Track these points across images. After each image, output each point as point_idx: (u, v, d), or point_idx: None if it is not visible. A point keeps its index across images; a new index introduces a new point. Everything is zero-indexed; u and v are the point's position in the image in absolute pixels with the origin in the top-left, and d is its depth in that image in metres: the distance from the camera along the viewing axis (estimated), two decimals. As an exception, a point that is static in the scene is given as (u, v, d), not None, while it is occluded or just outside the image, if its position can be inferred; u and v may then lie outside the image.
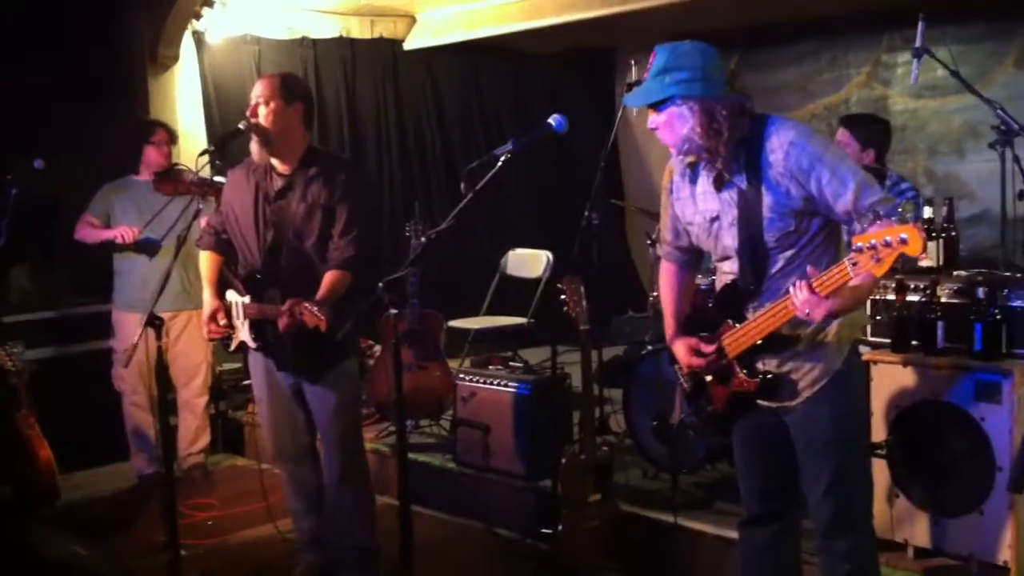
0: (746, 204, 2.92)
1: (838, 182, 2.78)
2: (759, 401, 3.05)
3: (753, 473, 3.23)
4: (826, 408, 2.94)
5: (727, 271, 3.08)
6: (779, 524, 3.21)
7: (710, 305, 3.15)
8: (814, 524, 3.09)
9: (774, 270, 2.94)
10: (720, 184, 2.98)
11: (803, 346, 2.93)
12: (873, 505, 3.16)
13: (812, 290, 2.69)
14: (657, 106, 2.93)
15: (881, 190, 2.82)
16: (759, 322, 2.92)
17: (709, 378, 3.11)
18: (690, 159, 3.01)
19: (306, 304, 3.63)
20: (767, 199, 2.87)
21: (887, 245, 2.49)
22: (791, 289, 2.76)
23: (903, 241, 2.47)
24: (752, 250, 2.94)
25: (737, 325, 2.98)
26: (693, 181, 3.08)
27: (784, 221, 2.88)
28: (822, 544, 3.07)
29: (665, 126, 2.94)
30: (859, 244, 2.54)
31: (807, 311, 2.72)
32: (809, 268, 2.74)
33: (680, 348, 3.16)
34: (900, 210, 2.60)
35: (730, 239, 3.00)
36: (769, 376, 2.98)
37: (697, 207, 3.07)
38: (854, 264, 2.57)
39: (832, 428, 2.95)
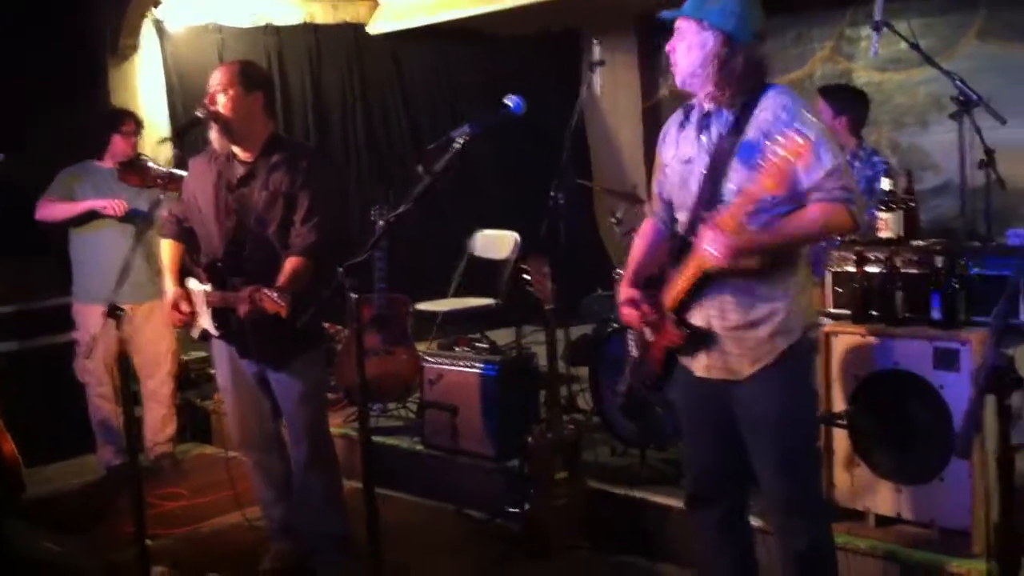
0: (718, 152, 2.92)
1: (815, 158, 2.79)
2: (699, 375, 3.03)
3: (698, 451, 3.21)
4: (774, 386, 2.92)
5: (682, 221, 3.07)
6: (727, 504, 3.20)
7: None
8: (767, 503, 3.10)
9: None
10: (702, 128, 2.98)
11: (746, 322, 2.92)
12: (822, 482, 3.15)
13: (716, 225, 2.74)
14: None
15: (852, 182, 2.83)
16: (684, 270, 2.93)
17: (650, 337, 3.11)
18: (687, 90, 3.02)
19: (266, 291, 3.61)
20: (739, 152, 2.87)
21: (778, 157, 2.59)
22: (705, 218, 2.81)
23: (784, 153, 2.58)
24: (709, 198, 2.92)
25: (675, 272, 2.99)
26: (682, 126, 3.09)
27: (750, 171, 2.82)
28: (776, 523, 3.08)
29: (684, 45, 2.95)
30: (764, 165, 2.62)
31: (711, 249, 2.75)
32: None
33: (622, 297, 3.14)
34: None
35: (694, 185, 2.99)
36: (697, 329, 2.97)
37: (677, 149, 3.08)
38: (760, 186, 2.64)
39: (780, 407, 2.93)
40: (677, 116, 3.14)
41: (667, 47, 2.99)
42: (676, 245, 3.03)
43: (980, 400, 1.87)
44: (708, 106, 2.98)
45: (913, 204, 4.02)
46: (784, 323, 2.91)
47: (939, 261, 3.63)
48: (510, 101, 3.45)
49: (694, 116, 3.05)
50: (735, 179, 2.87)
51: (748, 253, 2.81)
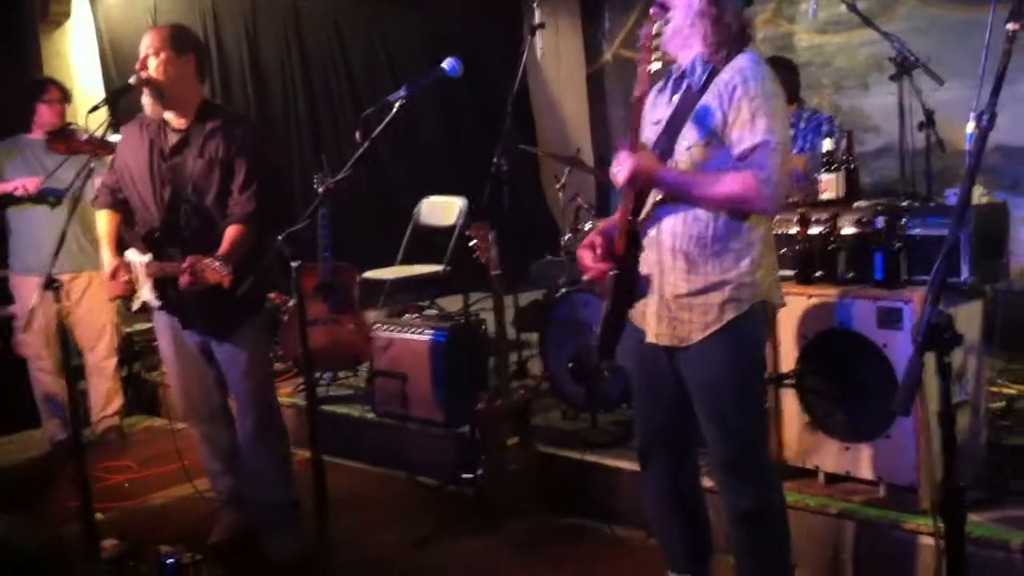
0: (678, 109, 2.95)
1: (750, 127, 2.80)
2: (649, 340, 3.05)
3: (644, 407, 3.24)
4: (719, 352, 2.94)
5: None
6: (677, 465, 3.23)
7: None
8: (712, 463, 3.14)
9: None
10: (676, 88, 3.00)
11: (698, 288, 2.93)
12: (767, 444, 3.18)
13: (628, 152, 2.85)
14: None
15: (775, 165, 2.80)
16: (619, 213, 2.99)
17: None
18: (666, 59, 3.02)
19: (207, 260, 3.55)
20: (698, 108, 2.89)
21: None
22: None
23: None
24: (662, 151, 2.94)
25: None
26: (661, 91, 3.11)
27: (701, 131, 2.88)
28: (721, 484, 3.10)
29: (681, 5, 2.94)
30: None
31: (618, 168, 2.88)
32: None
33: (587, 242, 3.14)
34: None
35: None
36: (625, 268, 2.99)
37: (652, 115, 3.09)
38: None
39: (725, 371, 2.96)
40: (659, 83, 3.14)
41: (652, 10, 2.98)
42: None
43: (919, 357, 1.89)
44: (684, 65, 2.98)
45: (854, 165, 4.06)
46: (735, 292, 2.92)
47: (880, 221, 3.67)
48: (446, 64, 3.42)
49: (671, 79, 3.06)
50: (689, 136, 2.90)
51: (649, 180, 2.89)
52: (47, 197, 5.19)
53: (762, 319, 3.04)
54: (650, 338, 3.05)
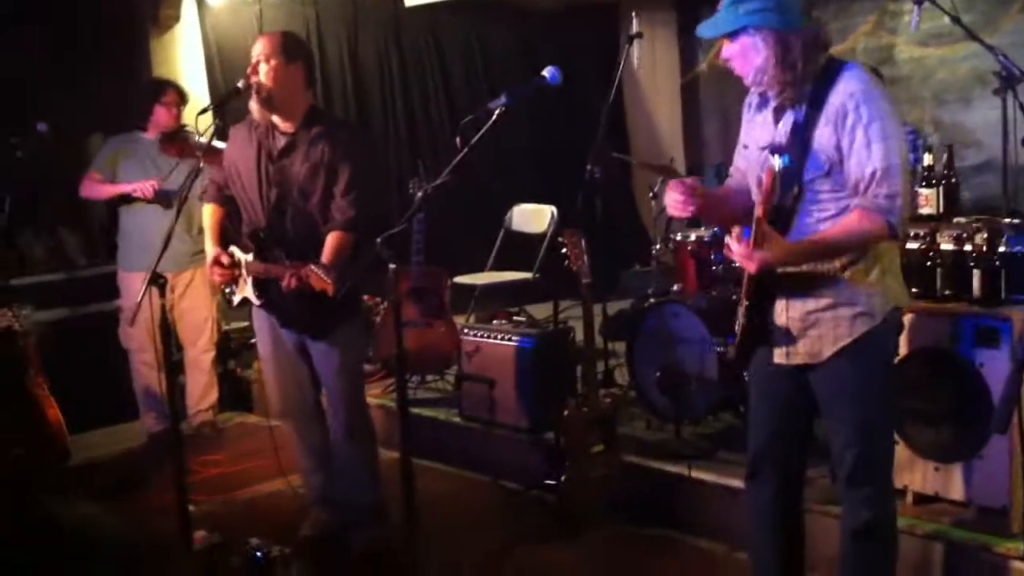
0: (796, 137, 2.90)
1: (866, 155, 2.77)
2: (776, 360, 3.04)
3: (761, 424, 3.23)
4: (850, 366, 2.93)
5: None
6: (783, 481, 3.21)
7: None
8: (836, 471, 3.12)
9: (805, 222, 2.90)
10: (779, 115, 2.97)
11: (827, 302, 2.92)
12: (894, 456, 3.15)
13: (746, 244, 2.76)
14: (731, 36, 2.90)
15: (897, 187, 2.78)
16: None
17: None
18: (762, 89, 3.00)
19: (313, 267, 3.64)
20: (816, 137, 2.86)
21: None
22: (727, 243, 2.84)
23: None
24: (787, 186, 2.90)
25: None
26: (760, 108, 3.09)
27: (820, 163, 2.85)
28: (843, 492, 3.08)
29: (739, 56, 2.91)
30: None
31: (746, 264, 2.81)
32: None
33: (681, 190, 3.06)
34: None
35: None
36: (755, 323, 2.99)
37: (755, 133, 3.08)
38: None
39: (855, 384, 2.94)
40: (753, 96, 3.12)
41: (723, 56, 2.96)
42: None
43: (1018, 375, 1.86)
44: (784, 96, 2.94)
45: (954, 180, 3.99)
46: (866, 306, 2.90)
47: (980, 238, 3.60)
48: (546, 72, 3.45)
49: (771, 103, 3.02)
50: (810, 172, 2.87)
51: (784, 264, 2.85)
52: (162, 199, 5.36)
53: (893, 327, 3.01)
54: (779, 359, 3.04)
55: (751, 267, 2.82)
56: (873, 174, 2.77)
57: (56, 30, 6.10)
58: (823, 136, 2.84)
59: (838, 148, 2.82)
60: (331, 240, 3.85)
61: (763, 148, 3.02)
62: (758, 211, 2.72)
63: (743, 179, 3.20)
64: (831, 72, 2.87)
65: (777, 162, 2.66)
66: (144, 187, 5.36)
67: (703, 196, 3.03)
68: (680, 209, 3.04)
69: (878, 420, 3.01)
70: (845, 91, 2.82)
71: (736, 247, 2.81)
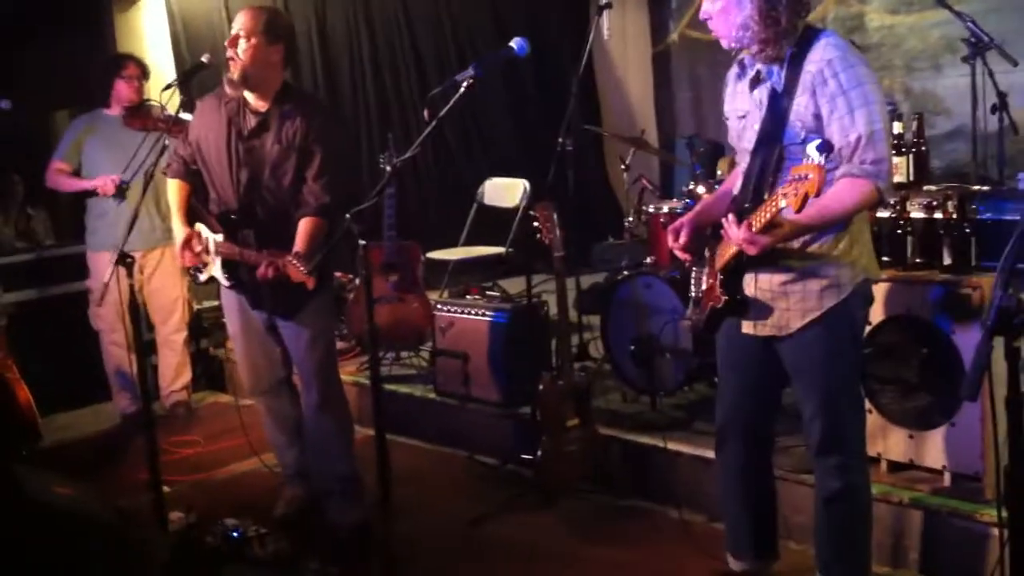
0: (773, 105, 2.90)
1: (849, 121, 2.77)
2: (744, 330, 3.06)
3: (729, 394, 3.26)
4: (817, 338, 2.94)
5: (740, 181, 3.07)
6: (751, 449, 3.25)
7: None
8: (807, 441, 3.14)
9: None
10: (755, 83, 2.96)
11: (796, 274, 2.92)
12: (866, 425, 3.17)
13: (747, 226, 2.74)
14: None
15: (883, 151, 2.78)
16: (726, 244, 2.93)
17: (705, 286, 3.13)
18: (740, 55, 2.99)
19: (289, 258, 3.60)
20: (795, 106, 2.85)
21: (799, 179, 2.53)
22: (723, 222, 2.81)
23: (806, 178, 2.50)
24: (766, 154, 2.91)
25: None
26: (738, 77, 3.08)
27: (799, 132, 2.85)
28: (814, 461, 3.11)
29: (720, 14, 2.90)
30: (795, 174, 2.56)
31: (744, 247, 2.78)
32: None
33: (675, 223, 3.17)
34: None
35: (749, 140, 2.99)
36: (738, 298, 3.00)
37: (734, 104, 3.08)
38: (784, 195, 2.59)
39: (823, 355, 2.96)
40: (734, 68, 3.11)
41: (701, 16, 2.94)
42: (737, 209, 2.98)
43: (988, 341, 1.87)
44: (759, 65, 2.94)
45: (924, 148, 4.00)
46: (835, 279, 2.91)
47: (950, 206, 3.61)
48: (514, 43, 3.43)
49: (748, 71, 3.02)
50: (790, 136, 2.87)
51: (775, 245, 2.83)
52: (121, 190, 5.26)
53: (862, 299, 3.02)
54: (747, 330, 3.06)
55: (752, 250, 2.79)
56: (858, 140, 2.77)
57: (18, 5, 5.99)
58: (800, 105, 2.84)
59: (816, 116, 2.82)
60: (304, 226, 3.78)
61: (741, 116, 3.03)
62: (788, 202, 2.60)
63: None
64: (807, 39, 2.86)
65: (819, 156, 2.58)
66: (105, 184, 5.28)
67: (687, 228, 3.13)
68: (683, 253, 3.14)
69: (845, 391, 3.03)
70: (823, 58, 2.81)
71: (735, 232, 2.78)
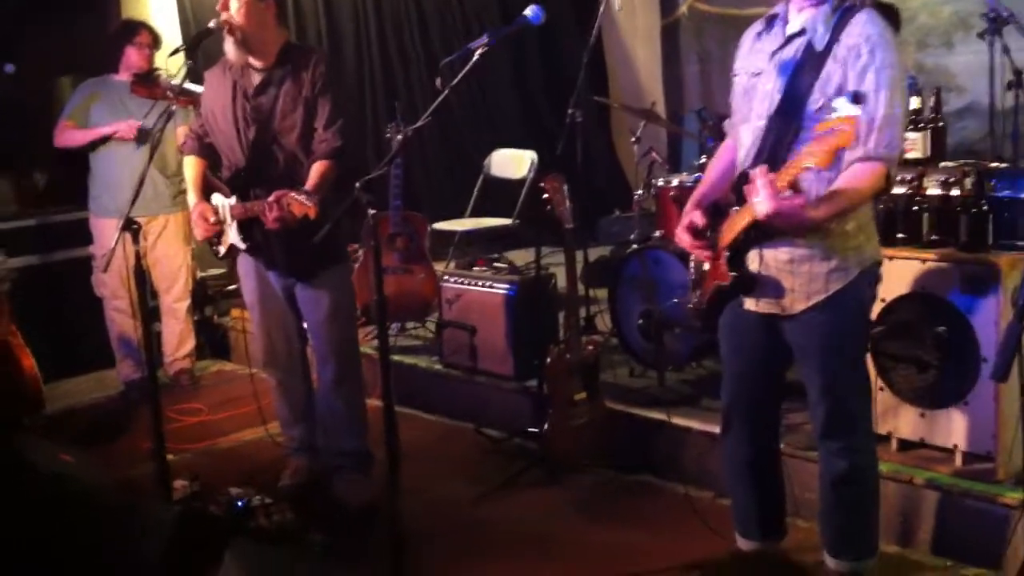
0: (806, 63, 2.83)
1: (875, 98, 2.72)
2: (749, 308, 3.02)
3: (734, 378, 3.22)
4: (823, 319, 2.90)
5: (744, 143, 3.00)
6: (757, 433, 3.21)
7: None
8: (811, 422, 3.11)
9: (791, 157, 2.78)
10: (787, 42, 2.89)
11: (803, 253, 2.87)
12: (871, 406, 3.14)
13: (770, 182, 2.64)
14: None
15: (899, 137, 2.75)
16: (740, 214, 2.87)
17: (707, 267, 3.08)
18: (774, 8, 2.94)
19: (292, 194, 3.58)
20: (824, 72, 2.79)
21: (826, 133, 2.48)
22: (752, 173, 2.70)
23: (831, 132, 2.47)
24: (785, 117, 2.84)
25: (736, 210, 2.91)
26: (759, 35, 3.02)
27: (817, 99, 2.79)
28: (819, 442, 3.08)
29: None
30: (820, 130, 2.52)
31: (761, 205, 2.66)
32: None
33: (682, 219, 3.07)
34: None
35: (764, 103, 2.91)
36: (744, 272, 2.94)
37: (749, 60, 3.02)
38: (810, 154, 2.54)
39: (828, 338, 2.92)
40: (757, 25, 3.05)
41: None
42: (739, 180, 2.93)
43: (1020, 323, 1.83)
44: (805, 14, 2.87)
45: (941, 124, 3.95)
46: (842, 261, 2.87)
47: (967, 183, 3.56)
48: (529, 11, 3.39)
49: (776, 28, 2.96)
50: (815, 101, 2.79)
51: (794, 222, 2.72)
52: (146, 136, 5.22)
53: (868, 281, 2.97)
54: (749, 306, 3.02)
55: (766, 208, 2.65)
56: (879, 120, 2.72)
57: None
58: (829, 71, 2.78)
59: (839, 88, 2.76)
60: (316, 168, 3.80)
61: (755, 73, 2.96)
62: (815, 160, 2.52)
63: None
64: (850, 11, 2.81)
65: (852, 108, 2.51)
66: (126, 128, 5.26)
67: (700, 213, 3.02)
68: (690, 246, 3.05)
69: (851, 375, 2.99)
70: (862, 33, 2.77)
71: (763, 181, 2.64)
